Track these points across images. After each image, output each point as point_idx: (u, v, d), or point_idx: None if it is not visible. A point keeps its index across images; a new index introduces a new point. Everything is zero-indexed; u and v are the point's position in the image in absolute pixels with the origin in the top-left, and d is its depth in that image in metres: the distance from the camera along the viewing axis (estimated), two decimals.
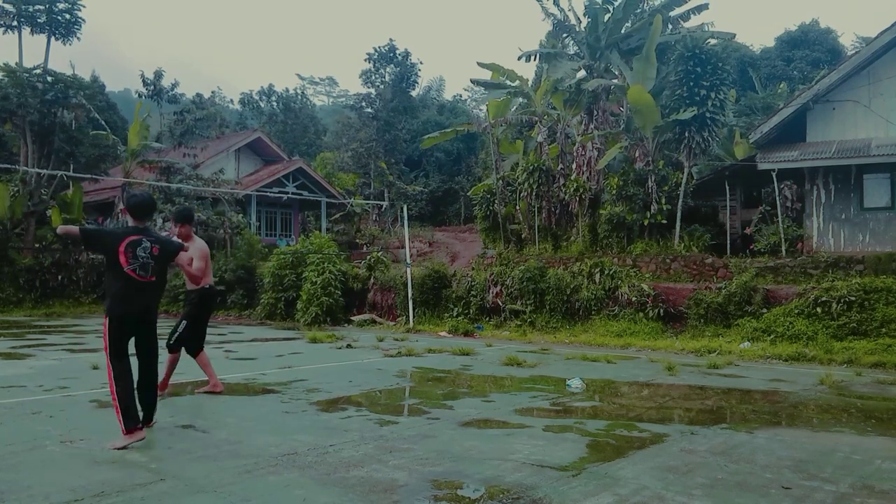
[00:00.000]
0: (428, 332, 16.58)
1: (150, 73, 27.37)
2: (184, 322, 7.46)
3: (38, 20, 26.37)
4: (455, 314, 17.51)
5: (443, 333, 16.14)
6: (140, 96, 28.06)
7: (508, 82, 23.22)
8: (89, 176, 26.42)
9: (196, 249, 7.14)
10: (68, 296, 24.14)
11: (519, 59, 21.96)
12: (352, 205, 32.51)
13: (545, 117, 22.57)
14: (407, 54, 38.48)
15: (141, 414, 5.48)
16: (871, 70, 16.72)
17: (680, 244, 17.61)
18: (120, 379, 5.36)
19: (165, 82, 27.55)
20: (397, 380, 9.22)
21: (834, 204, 16.96)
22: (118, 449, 5.15)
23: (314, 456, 5.02)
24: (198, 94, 29.71)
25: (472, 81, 24.17)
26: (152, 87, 27.23)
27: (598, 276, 16.31)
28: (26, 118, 25.11)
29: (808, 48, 35.28)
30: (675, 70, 18.22)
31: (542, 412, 6.99)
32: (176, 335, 7.43)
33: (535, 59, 22.39)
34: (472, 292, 17.55)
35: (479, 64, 23.17)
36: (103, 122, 27.48)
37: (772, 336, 13.04)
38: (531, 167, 20.64)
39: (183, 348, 7.54)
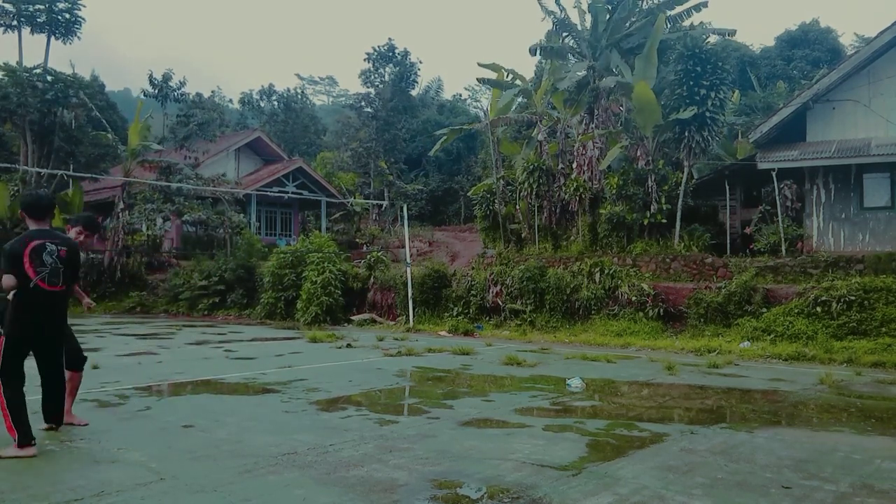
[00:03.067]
0: (428, 331, 16.58)
1: (156, 72, 27.55)
2: (72, 336, 6.10)
3: (38, 20, 26.41)
4: (455, 314, 17.51)
5: (443, 333, 16.14)
6: (145, 95, 28.13)
7: (513, 81, 23.19)
8: (89, 175, 26.44)
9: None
10: None
11: (532, 53, 21.73)
12: (352, 204, 32.52)
13: (545, 117, 22.57)
14: (406, 54, 38.52)
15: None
16: (871, 70, 16.72)
17: (680, 244, 17.61)
18: (13, 399, 4.96)
19: (172, 82, 27.64)
20: (397, 379, 9.22)
21: (834, 203, 16.95)
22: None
23: (314, 455, 5.02)
24: (198, 94, 29.75)
25: (479, 80, 24.12)
26: (159, 88, 27.28)
27: (597, 275, 16.30)
28: (26, 117, 25.12)
29: (809, 48, 35.28)
30: (674, 69, 18.23)
31: (542, 412, 6.99)
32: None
33: (538, 54, 22.26)
34: (472, 292, 17.55)
35: (479, 64, 23.15)
36: (104, 122, 27.50)
37: (772, 335, 13.04)
38: (531, 167, 20.64)
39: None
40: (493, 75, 23.55)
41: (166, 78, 27.46)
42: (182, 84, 28.03)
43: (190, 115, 27.50)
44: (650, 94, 17.59)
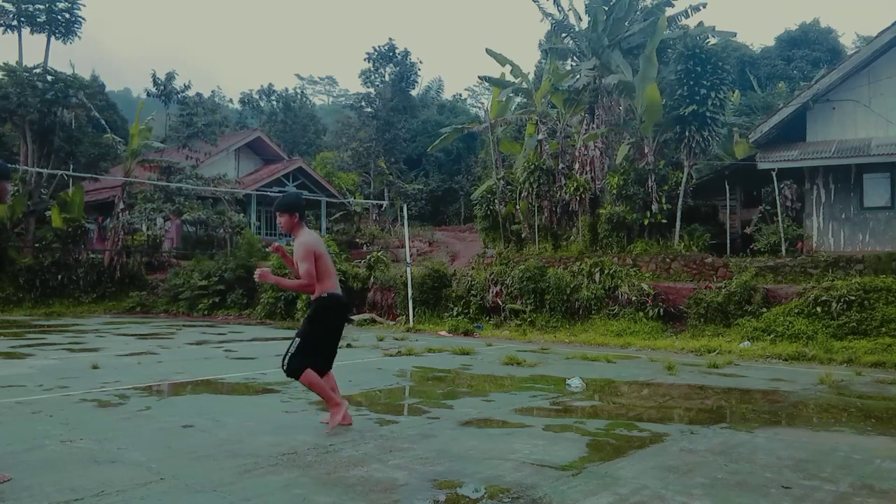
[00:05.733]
0: (428, 331, 16.58)
1: (157, 72, 27.62)
2: (297, 339, 5.87)
3: (38, 20, 26.44)
4: (455, 314, 17.51)
5: (443, 333, 16.13)
6: (148, 94, 28.22)
7: (512, 78, 23.16)
8: (89, 175, 26.46)
9: (296, 247, 5.82)
10: (68, 295, 24.15)
11: (543, 54, 21.63)
12: (351, 204, 32.52)
13: (545, 117, 22.56)
14: (406, 54, 38.53)
15: None
16: (871, 69, 16.73)
17: (680, 244, 17.62)
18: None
19: (175, 83, 27.74)
20: (397, 379, 9.21)
21: (834, 203, 16.95)
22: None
23: (314, 455, 5.02)
24: (198, 94, 29.80)
25: (481, 78, 24.00)
26: (162, 88, 27.33)
27: (597, 275, 16.30)
28: (26, 117, 25.13)
29: (809, 48, 35.29)
30: (675, 69, 18.23)
31: (542, 411, 6.99)
32: (289, 355, 5.82)
33: (542, 53, 22.29)
34: (472, 292, 17.55)
35: (487, 51, 22.92)
36: (104, 122, 27.52)
37: (772, 335, 13.04)
38: (531, 167, 20.64)
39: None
40: (498, 69, 23.49)
41: (169, 78, 27.51)
42: (186, 87, 28.12)
43: (194, 114, 27.57)
44: (657, 96, 17.63)
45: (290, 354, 5.80)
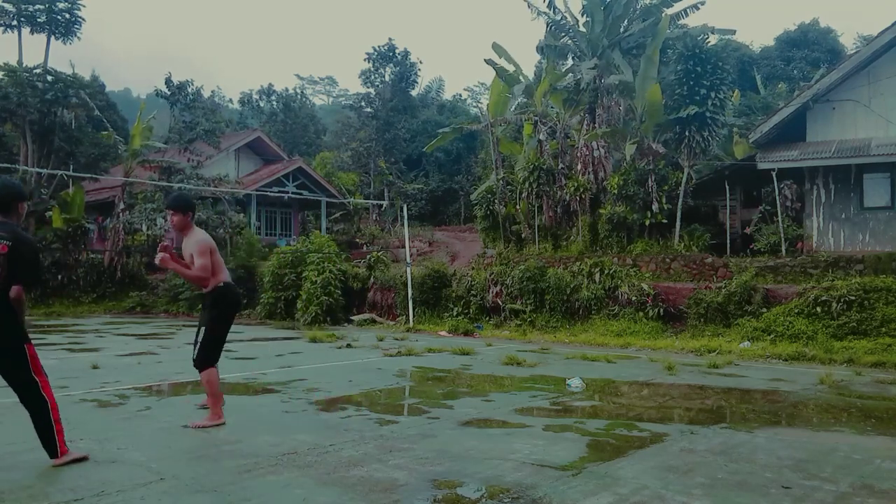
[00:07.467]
0: (428, 331, 16.58)
1: (157, 72, 27.94)
2: (202, 329, 5.99)
3: (38, 20, 26.42)
4: (455, 314, 17.51)
5: (443, 333, 16.14)
6: (158, 95, 28.29)
7: (517, 76, 23.12)
8: (89, 175, 26.45)
9: (193, 244, 5.91)
10: (68, 295, 24.14)
11: (539, 53, 21.66)
12: (351, 204, 32.51)
13: (545, 117, 22.54)
14: (406, 54, 38.52)
15: None
16: (871, 69, 16.72)
17: (680, 244, 17.61)
18: None
19: (190, 88, 27.94)
20: (397, 379, 9.22)
21: (834, 203, 16.95)
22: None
23: (314, 455, 5.02)
24: (199, 94, 29.82)
25: (486, 62, 23.70)
26: (173, 92, 27.45)
27: (597, 275, 16.30)
28: (26, 118, 25.11)
29: (808, 48, 35.30)
30: (674, 69, 18.24)
31: (542, 412, 6.99)
32: (197, 347, 5.97)
33: (542, 53, 22.24)
34: (472, 292, 17.55)
35: (493, 46, 22.81)
36: (106, 122, 27.53)
37: (772, 335, 13.04)
38: (531, 167, 20.63)
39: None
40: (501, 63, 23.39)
41: (183, 86, 27.63)
42: (199, 90, 28.24)
43: (196, 122, 27.65)
44: (659, 96, 17.64)
45: (199, 345, 5.93)
